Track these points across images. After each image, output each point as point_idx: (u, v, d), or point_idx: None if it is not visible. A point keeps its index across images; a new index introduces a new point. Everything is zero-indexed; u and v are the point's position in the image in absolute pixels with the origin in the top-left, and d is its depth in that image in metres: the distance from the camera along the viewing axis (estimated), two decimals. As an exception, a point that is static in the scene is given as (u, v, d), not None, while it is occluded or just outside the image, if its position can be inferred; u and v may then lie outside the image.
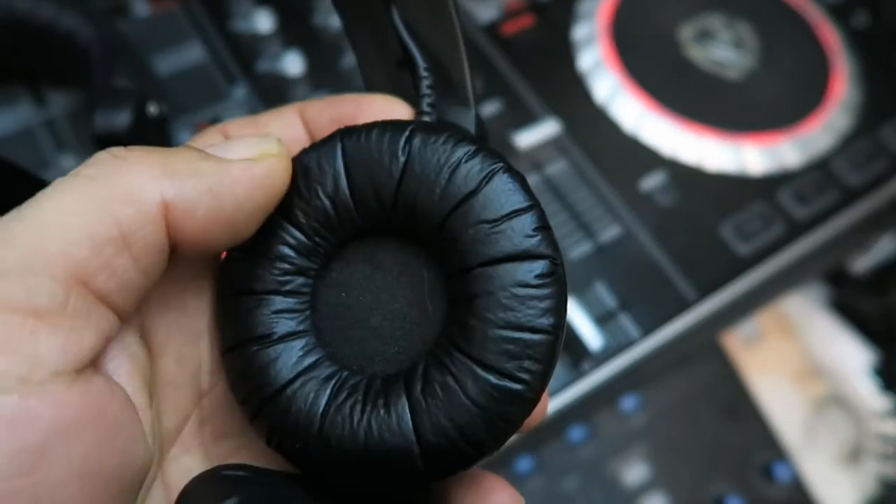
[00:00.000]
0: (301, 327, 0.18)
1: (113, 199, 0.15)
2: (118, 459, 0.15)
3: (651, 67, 0.45)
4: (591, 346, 0.34)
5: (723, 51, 0.47)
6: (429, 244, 0.17)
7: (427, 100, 0.20)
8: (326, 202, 0.17)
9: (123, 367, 0.17)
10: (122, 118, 0.30)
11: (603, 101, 0.44)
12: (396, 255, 0.18)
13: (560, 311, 0.16)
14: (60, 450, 0.13)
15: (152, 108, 0.32)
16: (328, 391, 0.17)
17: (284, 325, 0.17)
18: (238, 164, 0.17)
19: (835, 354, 0.56)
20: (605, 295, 0.37)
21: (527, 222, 0.16)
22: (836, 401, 0.54)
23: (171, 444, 0.18)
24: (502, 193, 0.16)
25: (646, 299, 0.37)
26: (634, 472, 0.48)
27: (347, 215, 0.17)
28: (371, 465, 0.16)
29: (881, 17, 0.51)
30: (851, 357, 0.56)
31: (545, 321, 0.16)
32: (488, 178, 0.17)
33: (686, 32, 0.47)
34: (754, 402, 0.51)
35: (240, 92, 0.42)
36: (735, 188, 0.42)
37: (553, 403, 0.35)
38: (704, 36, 0.47)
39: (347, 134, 0.18)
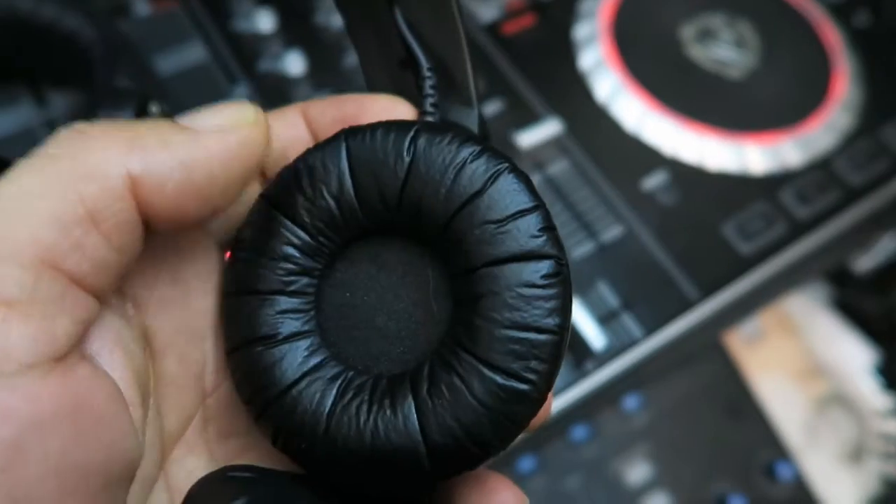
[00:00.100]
0: (306, 327, 0.18)
1: (77, 177, 0.14)
2: (102, 454, 0.14)
3: (652, 67, 0.45)
4: (593, 345, 0.34)
5: (724, 50, 0.47)
6: (434, 244, 0.17)
7: (430, 100, 0.20)
8: (331, 202, 0.17)
9: (116, 360, 0.16)
10: (123, 118, 0.30)
11: (604, 100, 0.44)
12: (401, 255, 0.18)
13: (565, 311, 0.16)
14: (36, 444, 0.13)
15: (154, 109, 0.32)
16: (334, 391, 0.17)
17: (289, 325, 0.17)
18: (210, 134, 0.16)
19: (837, 354, 0.56)
20: (607, 295, 0.37)
21: (532, 222, 0.16)
22: (838, 400, 0.54)
23: (174, 444, 0.18)
24: (508, 194, 0.16)
25: (648, 299, 0.37)
26: (637, 472, 0.48)
27: (352, 215, 0.17)
28: (377, 465, 0.16)
29: (882, 16, 0.51)
30: (853, 356, 0.56)
31: (551, 321, 0.16)
32: (494, 178, 0.17)
33: (687, 32, 0.47)
34: (756, 402, 0.51)
35: (241, 92, 0.42)
36: (737, 188, 0.42)
37: (556, 403, 0.35)
38: (706, 35, 0.47)
39: (352, 134, 0.18)
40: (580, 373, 0.35)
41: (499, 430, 0.16)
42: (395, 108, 0.20)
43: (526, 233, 0.16)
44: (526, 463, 0.46)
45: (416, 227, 0.17)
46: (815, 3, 0.50)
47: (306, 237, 0.18)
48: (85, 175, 0.14)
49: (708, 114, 0.44)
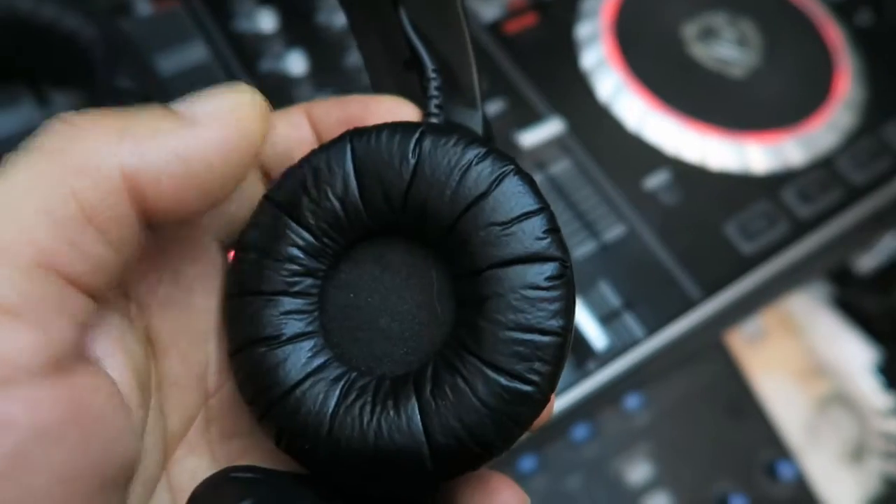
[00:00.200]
0: (310, 328, 0.18)
1: (68, 172, 0.13)
2: (103, 458, 0.14)
3: (654, 66, 0.45)
4: (595, 345, 0.34)
5: (726, 49, 0.47)
6: (438, 246, 0.17)
7: (435, 101, 0.20)
8: (336, 203, 0.17)
9: (117, 361, 0.16)
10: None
11: (606, 99, 0.44)
12: (405, 257, 0.18)
13: (569, 313, 0.16)
14: (39, 453, 0.12)
15: (156, 108, 0.32)
16: (337, 392, 0.17)
17: (293, 326, 0.17)
18: (207, 121, 0.15)
19: (838, 353, 0.56)
20: (609, 294, 0.37)
21: (537, 225, 0.16)
22: (839, 399, 0.54)
23: (177, 445, 0.18)
24: (513, 196, 0.17)
25: (650, 298, 0.37)
26: (638, 471, 0.48)
27: (356, 216, 0.17)
28: (380, 465, 0.16)
29: (884, 14, 0.51)
30: (855, 355, 0.56)
31: (555, 323, 0.16)
32: (499, 180, 0.17)
33: (689, 30, 0.47)
34: (758, 401, 0.51)
35: (242, 91, 0.42)
36: (739, 187, 0.42)
37: (558, 403, 0.35)
38: (708, 34, 0.47)
39: (357, 135, 0.18)
40: (582, 373, 0.35)
41: (502, 431, 0.16)
42: (399, 109, 0.20)
43: (531, 235, 0.16)
44: (527, 462, 0.46)
45: (420, 228, 0.17)
46: (817, 1, 0.50)
47: (311, 238, 0.18)
48: (76, 169, 0.14)
49: (710, 113, 0.44)
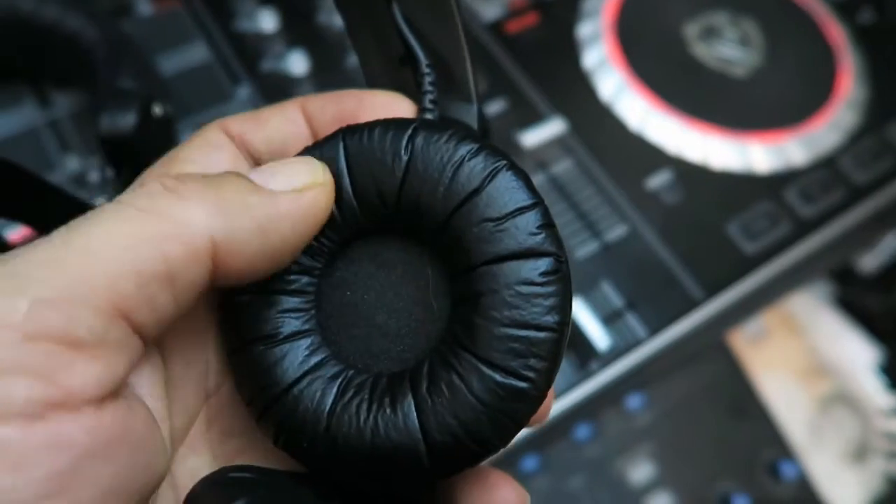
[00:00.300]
0: (306, 326, 0.18)
1: (163, 237, 0.15)
2: (141, 475, 0.15)
3: (656, 65, 0.45)
4: (598, 345, 0.34)
5: (728, 48, 0.46)
6: (432, 242, 0.17)
7: (429, 97, 0.20)
8: None
9: (147, 381, 0.17)
10: (127, 119, 0.30)
11: (608, 99, 0.44)
12: (400, 254, 0.18)
13: (565, 308, 0.16)
14: (90, 472, 0.13)
15: (157, 109, 0.32)
16: (334, 390, 0.17)
17: (290, 324, 0.18)
18: (286, 196, 0.16)
19: (841, 352, 0.56)
20: (611, 294, 0.37)
21: (531, 220, 0.16)
22: (842, 399, 0.54)
23: (180, 444, 0.18)
24: (506, 191, 0.16)
25: (652, 299, 0.37)
26: (640, 471, 0.47)
27: (351, 214, 0.17)
28: (378, 463, 0.16)
29: (886, 13, 0.51)
30: (857, 355, 0.55)
31: (550, 319, 0.16)
32: (491, 175, 0.17)
33: (691, 30, 0.47)
34: (760, 401, 0.51)
35: (244, 92, 0.42)
36: (741, 187, 0.42)
37: (560, 403, 0.35)
38: (710, 33, 0.47)
39: (350, 133, 0.18)
40: (584, 373, 0.35)
41: (498, 428, 0.16)
42: (394, 104, 0.20)
43: (524, 230, 0.16)
44: (529, 462, 0.46)
45: (414, 225, 0.17)
46: (819, 0, 0.50)
47: None
48: (171, 235, 0.15)
49: (712, 112, 0.44)
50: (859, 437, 0.53)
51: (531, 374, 0.16)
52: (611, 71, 0.44)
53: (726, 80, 0.45)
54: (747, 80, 0.46)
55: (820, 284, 0.58)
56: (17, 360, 0.13)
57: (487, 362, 0.16)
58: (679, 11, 0.48)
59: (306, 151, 0.18)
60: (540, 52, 0.45)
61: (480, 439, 0.16)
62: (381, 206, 0.17)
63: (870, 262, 0.56)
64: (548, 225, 0.17)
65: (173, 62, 0.42)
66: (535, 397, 0.16)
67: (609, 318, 0.36)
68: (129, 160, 0.31)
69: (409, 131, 0.17)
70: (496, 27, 0.46)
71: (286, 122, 0.20)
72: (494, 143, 0.17)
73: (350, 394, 0.17)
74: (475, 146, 0.17)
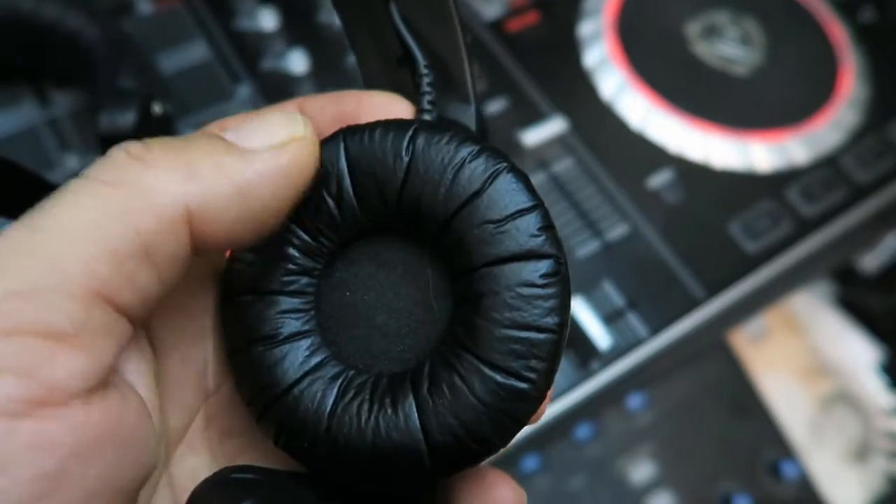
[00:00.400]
0: (307, 327, 0.18)
1: (135, 210, 0.14)
2: (131, 469, 0.14)
3: (657, 64, 0.45)
4: (599, 345, 0.34)
5: (730, 47, 0.46)
6: (433, 243, 0.17)
7: (428, 97, 0.20)
8: (330, 202, 0.17)
9: (137, 368, 0.16)
10: (126, 118, 0.30)
11: (609, 98, 0.44)
12: (400, 254, 0.18)
13: (564, 309, 0.16)
14: (78, 471, 0.13)
15: (157, 108, 0.32)
16: (335, 390, 0.17)
17: (290, 325, 0.17)
18: (263, 155, 0.15)
19: (842, 352, 0.56)
20: (612, 294, 0.37)
21: (531, 222, 0.16)
22: (843, 398, 0.54)
23: (177, 443, 0.18)
24: (506, 193, 0.17)
25: (654, 298, 0.37)
26: (641, 471, 0.47)
27: (351, 215, 0.17)
28: (379, 463, 0.16)
29: (888, 11, 0.51)
30: (859, 354, 0.55)
31: (550, 320, 0.16)
32: (492, 178, 0.17)
33: (693, 28, 0.47)
34: (761, 401, 0.51)
35: (244, 91, 0.42)
36: (743, 186, 0.42)
37: (561, 403, 0.35)
38: (711, 32, 0.47)
39: (350, 133, 0.18)
40: (585, 372, 0.35)
41: (499, 428, 0.16)
42: (392, 105, 0.20)
43: (525, 232, 0.16)
44: (530, 462, 0.46)
45: (415, 226, 0.17)
46: (821, -1, 0.50)
47: (306, 237, 0.18)
48: (142, 207, 0.14)
49: (713, 111, 0.43)
50: (860, 437, 0.53)
51: (532, 375, 0.16)
52: (612, 70, 0.44)
53: (728, 79, 0.45)
54: (749, 78, 0.45)
55: (821, 284, 0.58)
56: None
57: (489, 363, 0.16)
58: (680, 10, 0.48)
59: None
60: (541, 51, 0.45)
61: (481, 439, 0.16)
62: (382, 207, 0.17)
63: (871, 261, 0.56)
64: (548, 227, 0.17)
65: (173, 61, 0.42)
66: (536, 398, 0.16)
67: (610, 318, 0.36)
68: (128, 159, 0.30)
69: (411, 132, 0.17)
70: (497, 26, 0.46)
71: None
72: (494, 144, 0.17)
73: (351, 394, 0.17)
74: (476, 148, 0.17)
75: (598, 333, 0.35)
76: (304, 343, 0.17)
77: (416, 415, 0.16)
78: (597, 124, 0.43)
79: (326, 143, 0.18)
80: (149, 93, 0.32)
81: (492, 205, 0.16)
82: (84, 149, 0.39)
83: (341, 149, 0.17)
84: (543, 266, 0.16)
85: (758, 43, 0.47)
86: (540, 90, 0.44)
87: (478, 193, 0.16)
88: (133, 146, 0.14)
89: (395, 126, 0.17)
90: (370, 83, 0.22)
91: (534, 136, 0.41)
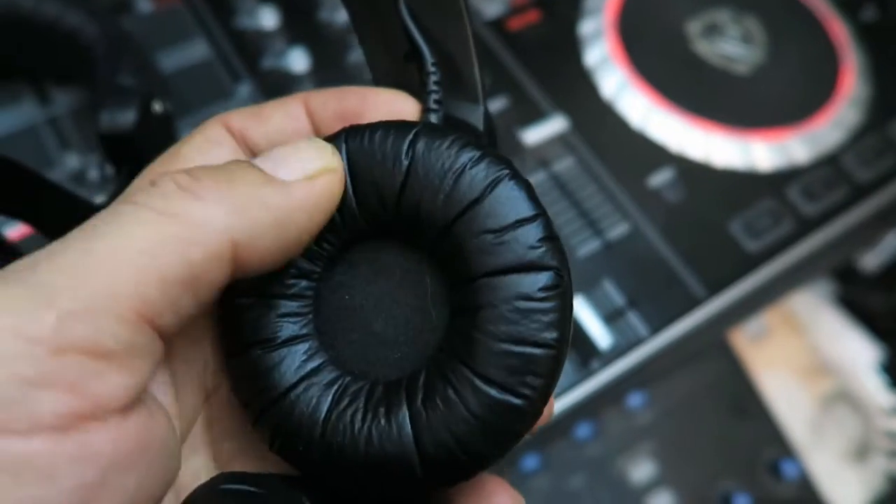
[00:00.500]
0: (304, 331, 0.18)
1: (185, 241, 0.14)
2: (161, 480, 0.15)
3: (658, 62, 0.45)
4: (599, 344, 0.34)
5: (731, 46, 0.46)
6: (432, 250, 0.17)
7: (434, 97, 0.19)
8: None
9: (158, 378, 0.17)
10: (127, 116, 0.30)
11: (610, 96, 0.44)
12: (399, 260, 0.18)
13: (564, 324, 0.16)
14: (116, 481, 0.14)
15: (157, 106, 0.32)
16: (330, 397, 0.17)
17: (288, 328, 0.17)
18: (299, 185, 0.16)
19: (842, 351, 0.56)
20: (613, 293, 0.37)
21: (532, 233, 0.16)
22: (843, 398, 0.54)
23: (182, 444, 0.18)
24: (507, 201, 0.16)
25: (654, 297, 0.37)
26: (641, 470, 0.47)
27: (351, 218, 0.17)
28: (372, 473, 0.16)
29: (889, 10, 0.51)
30: (859, 354, 0.55)
31: (548, 335, 0.16)
32: (493, 185, 0.16)
33: (694, 27, 0.47)
34: (761, 400, 0.51)
35: (244, 89, 0.42)
36: (743, 184, 0.42)
37: (561, 402, 0.34)
38: (712, 31, 0.47)
39: (352, 134, 0.17)
40: (585, 371, 0.35)
41: (492, 444, 0.16)
42: (398, 103, 0.19)
43: (524, 243, 0.16)
44: (530, 461, 0.46)
45: (414, 231, 0.17)
46: (823, -2, 0.50)
47: None
48: (193, 239, 0.15)
49: (714, 110, 0.43)
50: (860, 436, 0.53)
51: (527, 391, 0.16)
52: (613, 68, 0.44)
53: (729, 78, 0.45)
54: (750, 77, 0.45)
55: (822, 283, 0.58)
56: (45, 373, 0.13)
57: (484, 377, 0.16)
58: (681, 9, 0.48)
59: None
60: (541, 50, 0.45)
61: (474, 454, 0.16)
62: (382, 210, 0.17)
63: (872, 260, 0.56)
64: (549, 238, 0.16)
65: (173, 59, 0.42)
66: (531, 414, 0.16)
67: (610, 317, 0.36)
68: (128, 157, 0.30)
69: (411, 136, 0.17)
70: (498, 24, 0.46)
71: (288, 119, 0.19)
72: (498, 150, 0.17)
73: (346, 401, 0.17)
74: (477, 153, 0.16)
75: (599, 333, 0.35)
76: (302, 347, 0.17)
77: (409, 426, 0.16)
78: (597, 123, 0.43)
79: (328, 143, 0.17)
80: (149, 91, 0.32)
81: (491, 213, 0.16)
82: (84, 147, 0.39)
83: (342, 150, 0.17)
84: (543, 279, 0.16)
85: (759, 41, 0.47)
86: (540, 89, 0.44)
87: (478, 201, 0.16)
88: (182, 177, 0.15)
89: (396, 128, 0.17)
90: (379, 81, 0.22)
91: (534, 135, 0.41)
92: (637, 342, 0.36)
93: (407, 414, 0.16)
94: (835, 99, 0.45)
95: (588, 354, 0.35)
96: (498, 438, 0.16)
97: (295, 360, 0.17)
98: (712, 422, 0.49)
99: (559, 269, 0.16)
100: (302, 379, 0.17)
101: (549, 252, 0.16)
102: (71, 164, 0.38)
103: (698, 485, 0.48)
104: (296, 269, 0.17)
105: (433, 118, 0.19)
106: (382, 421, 0.16)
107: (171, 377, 0.18)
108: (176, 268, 0.14)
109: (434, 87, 0.19)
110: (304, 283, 0.18)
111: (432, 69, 0.19)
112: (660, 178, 0.41)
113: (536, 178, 0.40)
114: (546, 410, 0.17)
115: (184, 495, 0.17)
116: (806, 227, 0.40)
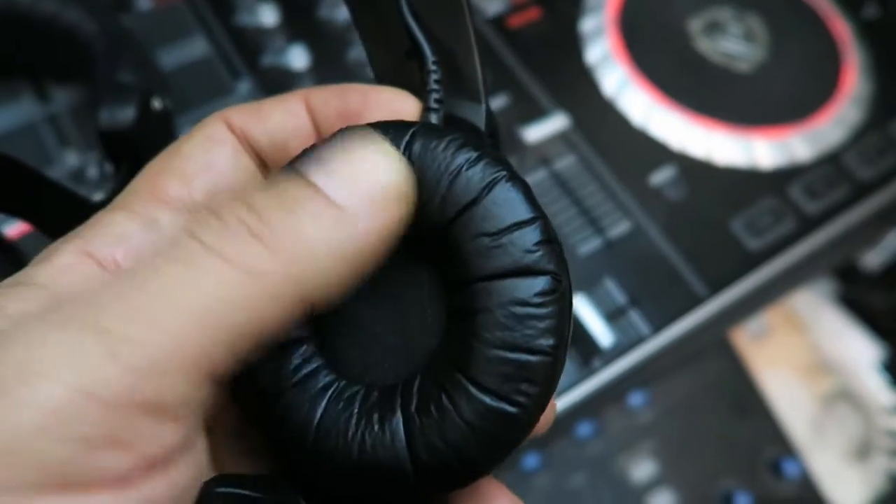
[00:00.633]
0: (302, 333, 0.17)
1: (256, 299, 0.14)
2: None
3: (660, 60, 0.45)
4: (601, 343, 0.34)
5: (732, 43, 0.46)
6: (429, 253, 0.17)
7: (434, 95, 0.19)
8: None
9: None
10: (126, 114, 0.30)
11: (611, 94, 0.44)
12: (397, 262, 0.17)
13: (561, 330, 0.16)
14: None
15: (157, 104, 0.32)
16: (324, 402, 0.17)
17: None
18: (363, 212, 0.15)
19: (843, 350, 0.55)
20: (614, 291, 0.37)
21: (528, 236, 0.16)
22: (844, 396, 0.54)
23: None
24: (504, 203, 0.16)
25: (656, 295, 0.37)
26: (642, 469, 0.47)
27: None
28: (364, 479, 0.16)
29: (891, 8, 0.50)
30: (860, 352, 0.55)
31: (544, 342, 0.15)
32: (490, 187, 0.16)
33: (695, 25, 0.47)
34: (763, 399, 0.51)
35: (244, 86, 0.41)
36: (745, 182, 0.41)
37: (563, 401, 0.34)
38: (714, 28, 0.47)
39: None
40: (587, 370, 0.35)
41: (486, 452, 0.16)
42: (399, 101, 0.19)
43: (521, 247, 0.16)
44: (531, 460, 0.46)
45: (411, 234, 0.17)
46: (824, -5, 0.50)
47: None
48: (264, 297, 0.14)
49: (716, 108, 0.43)
50: (862, 435, 0.53)
51: (522, 399, 0.15)
52: (614, 66, 0.44)
53: (730, 76, 0.45)
54: (751, 75, 0.45)
55: (823, 282, 0.58)
56: (108, 431, 0.12)
57: (478, 385, 0.15)
58: (683, 6, 0.47)
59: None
60: (542, 47, 0.45)
61: (468, 462, 0.16)
62: None
63: (873, 259, 0.56)
64: (546, 241, 0.16)
65: (173, 56, 0.42)
66: (526, 422, 0.16)
67: (612, 315, 0.36)
68: (128, 155, 0.30)
69: (408, 136, 0.16)
70: (499, 22, 0.46)
71: (289, 116, 0.19)
72: (500, 150, 0.17)
73: (340, 406, 0.16)
74: (474, 154, 0.16)
75: (600, 331, 0.34)
76: (298, 350, 0.17)
77: (402, 434, 0.16)
78: (599, 121, 0.43)
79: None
80: (148, 88, 0.32)
81: (488, 216, 0.16)
82: (83, 145, 0.39)
83: None
84: (539, 283, 0.15)
85: (761, 39, 0.47)
86: (541, 86, 0.43)
87: (474, 202, 0.16)
88: (250, 218, 0.14)
89: (393, 128, 0.17)
90: (381, 79, 0.22)
91: (535, 133, 0.41)
92: (638, 341, 0.35)
93: (401, 420, 0.16)
94: (836, 97, 0.45)
95: (589, 353, 0.35)
96: (492, 446, 0.16)
97: (291, 363, 0.17)
98: (713, 421, 0.49)
99: (557, 273, 0.16)
100: (297, 383, 0.17)
101: (547, 256, 0.16)
102: (70, 162, 0.38)
103: (699, 484, 0.47)
104: None
105: (434, 117, 0.19)
106: (376, 427, 0.16)
107: None
108: (244, 326, 0.14)
109: (435, 86, 0.19)
110: None
111: (433, 67, 0.19)
112: (661, 176, 0.41)
113: (537, 177, 0.40)
114: (546, 417, 0.17)
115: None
116: (807, 225, 0.40)
